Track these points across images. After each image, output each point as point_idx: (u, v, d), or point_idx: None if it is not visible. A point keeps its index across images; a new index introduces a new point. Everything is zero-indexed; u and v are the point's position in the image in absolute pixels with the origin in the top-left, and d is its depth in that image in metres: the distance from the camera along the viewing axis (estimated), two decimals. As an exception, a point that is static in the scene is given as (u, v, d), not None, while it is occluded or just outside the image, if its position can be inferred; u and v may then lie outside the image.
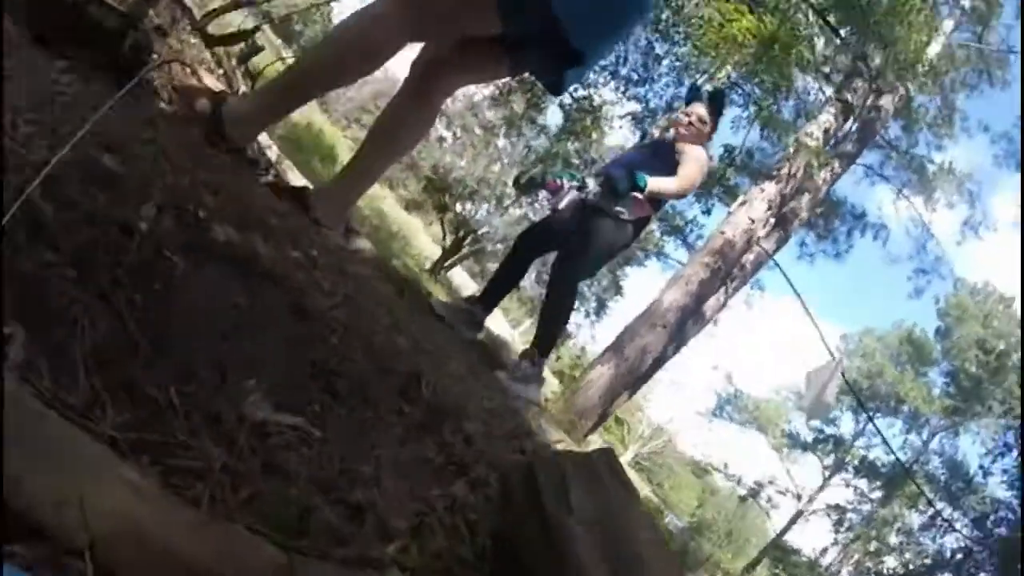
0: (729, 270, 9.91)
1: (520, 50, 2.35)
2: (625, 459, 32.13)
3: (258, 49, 5.85)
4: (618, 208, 3.53)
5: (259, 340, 1.15)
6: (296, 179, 5.50)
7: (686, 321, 9.64)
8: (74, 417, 0.70)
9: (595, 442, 7.95)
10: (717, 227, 10.03)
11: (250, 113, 2.41)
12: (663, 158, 3.77)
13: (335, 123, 44.71)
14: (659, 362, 9.97)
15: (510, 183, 20.58)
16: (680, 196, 4.33)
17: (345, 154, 26.94)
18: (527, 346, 3.67)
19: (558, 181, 3.59)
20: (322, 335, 1.32)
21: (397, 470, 1.10)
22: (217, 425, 0.86)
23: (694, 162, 3.78)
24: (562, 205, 3.56)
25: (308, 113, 29.10)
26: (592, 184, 3.58)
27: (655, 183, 3.51)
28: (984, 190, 16.71)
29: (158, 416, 0.82)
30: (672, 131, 4.17)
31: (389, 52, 2.28)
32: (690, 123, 3.87)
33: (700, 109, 3.95)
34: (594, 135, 10.98)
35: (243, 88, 4.71)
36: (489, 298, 3.88)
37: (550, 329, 3.79)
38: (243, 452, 0.84)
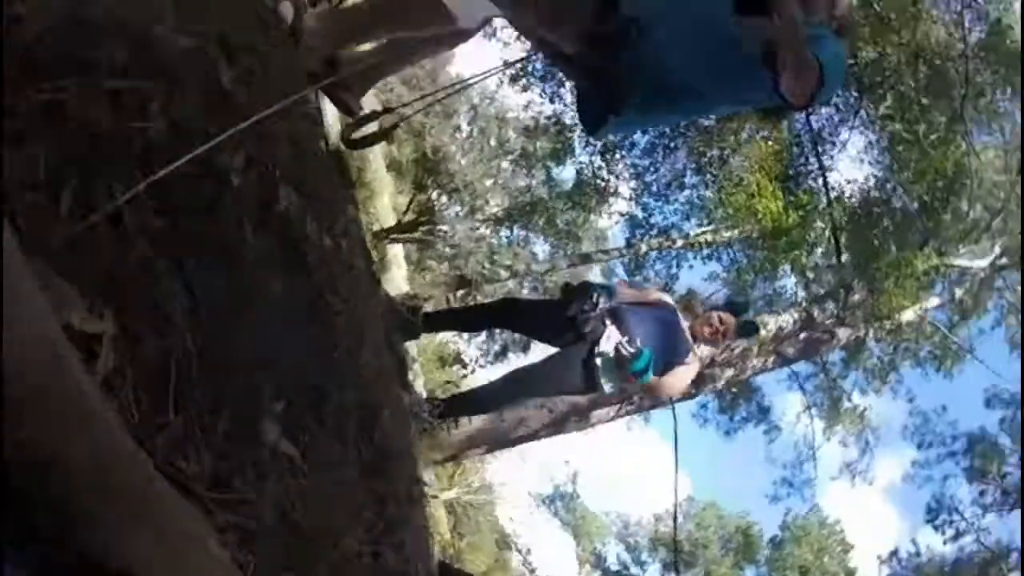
0: (631, 395, 10.14)
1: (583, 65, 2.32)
2: (443, 497, 31.95)
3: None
4: (608, 384, 3.53)
5: (284, 342, 1.19)
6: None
7: (570, 416, 9.84)
8: (172, 472, 0.72)
9: (426, 473, 7.93)
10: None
11: (327, 30, 2.37)
12: (682, 348, 3.69)
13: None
14: (528, 439, 10.12)
15: (492, 203, 20.56)
16: (662, 401, 4.24)
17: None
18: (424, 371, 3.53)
19: (594, 297, 3.48)
20: (327, 349, 1.36)
21: (351, 520, 1.14)
22: (255, 463, 0.90)
23: (690, 375, 3.80)
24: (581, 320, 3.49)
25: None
26: (611, 328, 3.45)
27: (654, 383, 3.50)
28: (879, 448, 17.51)
29: (214, 450, 0.84)
30: (697, 323, 3.94)
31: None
32: (716, 331, 3.79)
33: (732, 324, 3.84)
34: (591, 215, 11.13)
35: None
36: (437, 323, 3.88)
37: (471, 408, 3.77)
38: (271, 492, 0.88)
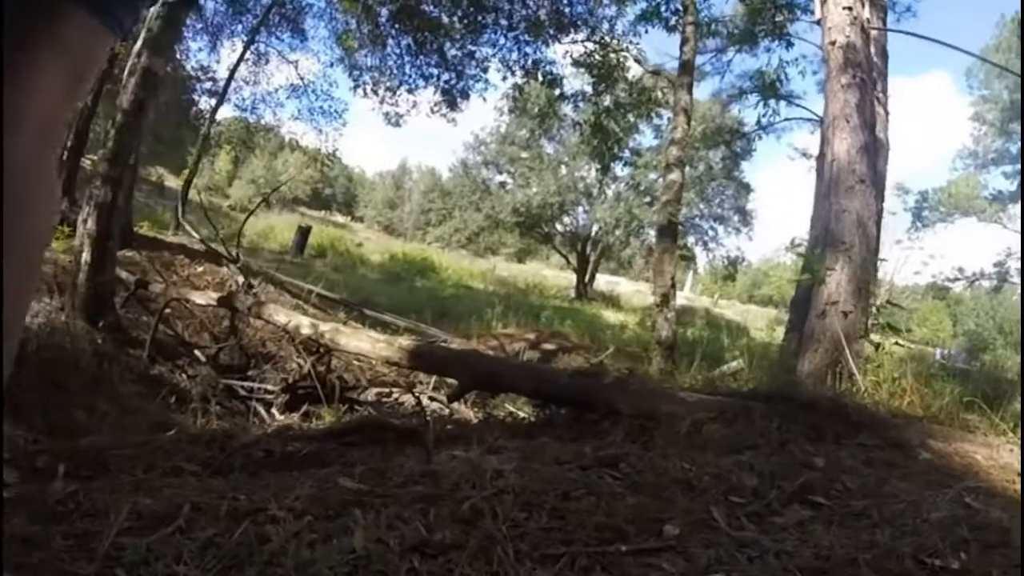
0: (870, 73, 7.66)
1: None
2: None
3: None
4: None
5: None
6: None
7: (874, 160, 7.42)
8: None
9: (892, 349, 5.47)
10: (821, 44, 7.84)
11: None
12: None
13: (412, 238, 44.27)
14: (879, 218, 7.75)
15: (585, 173, 18.65)
16: None
17: (435, 255, 25.70)
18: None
19: None
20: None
21: None
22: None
23: None
24: None
25: (384, 244, 28.23)
26: None
27: None
28: None
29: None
30: None
31: None
32: None
33: None
34: (617, 73, 9.17)
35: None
36: None
37: None
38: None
